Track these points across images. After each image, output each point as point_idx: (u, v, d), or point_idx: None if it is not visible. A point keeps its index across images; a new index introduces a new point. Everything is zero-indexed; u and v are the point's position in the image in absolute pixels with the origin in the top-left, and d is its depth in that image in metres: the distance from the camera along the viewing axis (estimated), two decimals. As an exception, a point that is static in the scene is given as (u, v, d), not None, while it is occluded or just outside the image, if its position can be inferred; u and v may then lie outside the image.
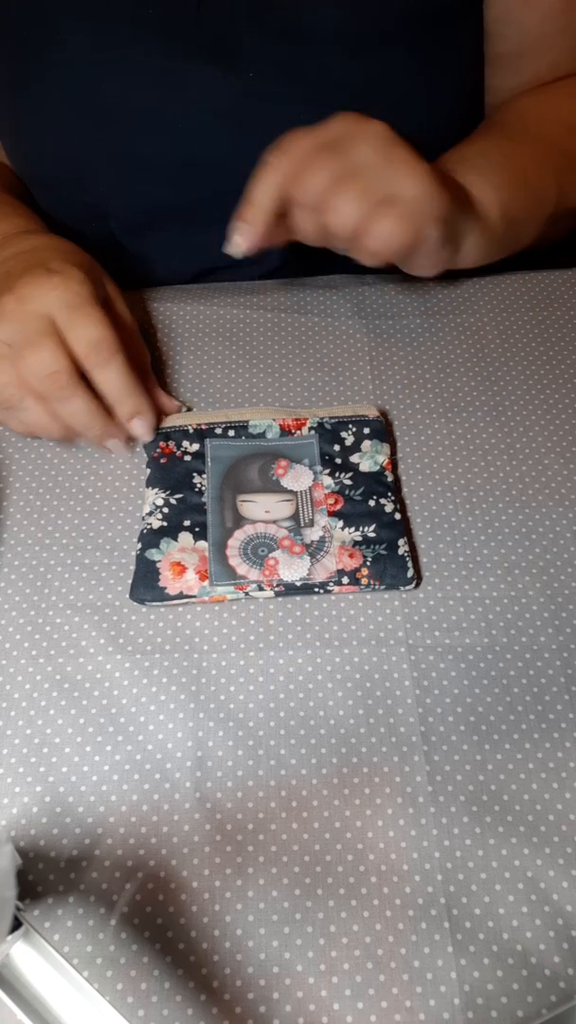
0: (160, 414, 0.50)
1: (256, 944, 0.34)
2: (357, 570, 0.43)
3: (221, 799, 0.38)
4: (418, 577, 0.44)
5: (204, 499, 0.46)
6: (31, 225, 0.54)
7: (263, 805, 0.37)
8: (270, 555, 0.44)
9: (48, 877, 0.35)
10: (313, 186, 0.44)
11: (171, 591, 0.43)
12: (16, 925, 0.28)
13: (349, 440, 0.49)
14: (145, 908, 0.35)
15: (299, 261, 0.62)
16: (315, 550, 0.44)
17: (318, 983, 0.33)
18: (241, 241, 0.46)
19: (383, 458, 0.48)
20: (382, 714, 0.40)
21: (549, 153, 0.54)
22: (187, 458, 0.48)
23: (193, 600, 0.43)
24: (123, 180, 0.56)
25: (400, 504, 0.47)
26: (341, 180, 0.43)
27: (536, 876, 0.36)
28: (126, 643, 0.42)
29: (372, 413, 0.50)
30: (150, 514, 0.46)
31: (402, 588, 0.43)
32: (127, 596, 0.44)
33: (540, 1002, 0.33)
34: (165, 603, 0.43)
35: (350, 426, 0.49)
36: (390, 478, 0.47)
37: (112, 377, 0.45)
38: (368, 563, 0.43)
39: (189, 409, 0.51)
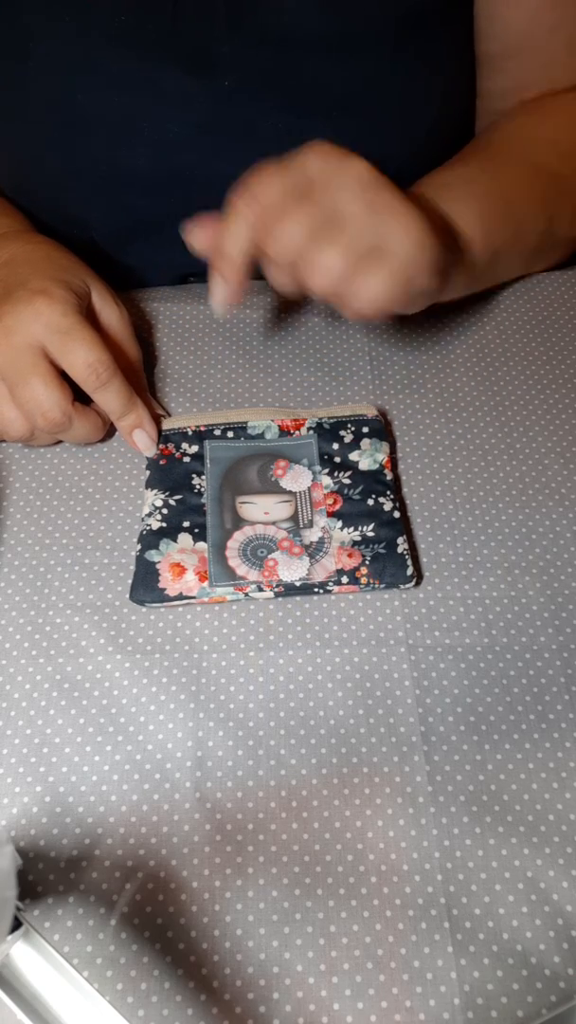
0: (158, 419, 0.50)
1: (256, 944, 0.34)
2: (356, 569, 0.43)
3: (221, 799, 0.38)
4: (418, 575, 0.44)
5: (203, 500, 0.46)
6: (14, 224, 0.53)
7: (263, 805, 0.37)
8: (269, 556, 0.44)
9: (48, 877, 0.35)
10: (288, 240, 0.40)
11: (171, 592, 0.43)
12: (16, 925, 0.28)
13: (348, 438, 0.49)
14: (145, 908, 0.35)
15: None
16: (314, 551, 0.44)
17: (318, 983, 0.33)
18: (220, 298, 0.43)
19: (382, 456, 0.48)
20: (382, 714, 0.40)
21: (538, 178, 0.52)
22: (186, 459, 0.48)
23: (193, 601, 0.43)
24: (103, 191, 0.55)
25: (400, 503, 0.47)
26: (319, 233, 0.39)
27: (536, 876, 0.36)
28: (126, 643, 0.42)
29: (371, 412, 0.50)
30: (149, 515, 0.46)
31: (402, 586, 0.43)
32: (127, 596, 0.44)
33: (540, 1002, 0.33)
34: (165, 604, 0.43)
35: (349, 425, 0.49)
36: (389, 476, 0.47)
37: (111, 396, 0.46)
38: (367, 562, 0.43)
39: (168, 415, 0.51)
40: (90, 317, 0.48)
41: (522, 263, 0.56)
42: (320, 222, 0.39)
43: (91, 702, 0.40)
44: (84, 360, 0.44)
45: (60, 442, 0.50)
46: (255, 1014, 0.33)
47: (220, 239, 0.42)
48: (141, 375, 0.52)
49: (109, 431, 0.50)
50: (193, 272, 0.62)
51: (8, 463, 0.50)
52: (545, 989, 0.33)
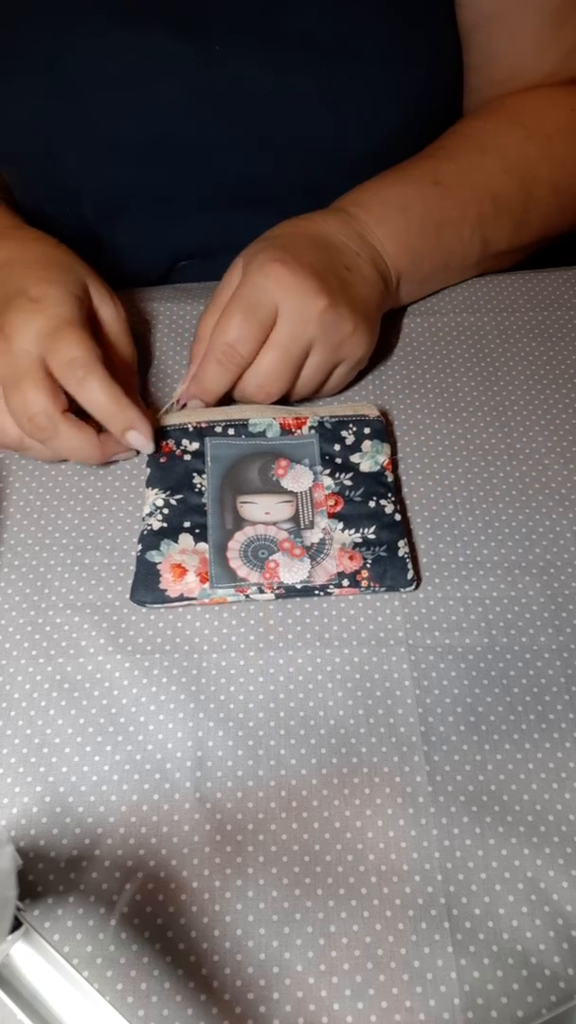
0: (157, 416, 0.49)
1: (256, 944, 0.34)
2: (357, 572, 0.43)
3: (221, 799, 0.38)
4: (418, 579, 0.44)
5: (204, 500, 0.46)
6: (4, 220, 0.52)
7: (263, 805, 0.37)
8: (270, 557, 0.44)
9: (48, 877, 0.35)
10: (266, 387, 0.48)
11: (171, 594, 0.43)
12: (16, 925, 0.28)
13: (350, 439, 0.48)
14: (145, 908, 0.35)
15: None
16: (315, 552, 0.44)
17: (318, 983, 0.33)
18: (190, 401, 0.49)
19: (383, 458, 0.48)
20: (382, 714, 0.40)
21: (477, 203, 0.54)
22: (187, 457, 0.48)
23: (194, 602, 0.43)
24: (92, 157, 0.55)
25: (400, 505, 0.47)
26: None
27: (536, 876, 0.36)
28: (126, 643, 0.42)
29: (372, 413, 0.50)
30: (150, 515, 0.45)
31: (402, 590, 0.43)
32: (127, 596, 0.44)
33: (540, 1002, 0.33)
34: (166, 605, 0.43)
35: (350, 425, 0.49)
36: (390, 478, 0.47)
37: (93, 396, 0.43)
38: (368, 565, 0.43)
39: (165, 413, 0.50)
40: (88, 316, 0.48)
41: (455, 279, 0.58)
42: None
43: (91, 702, 0.40)
44: (63, 357, 0.43)
45: (64, 461, 0.49)
46: (255, 1014, 0.33)
47: (203, 379, 0.47)
48: (133, 376, 0.51)
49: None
50: (184, 254, 0.62)
51: (8, 463, 0.50)
52: (545, 989, 0.33)
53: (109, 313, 0.50)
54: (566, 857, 0.36)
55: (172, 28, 0.50)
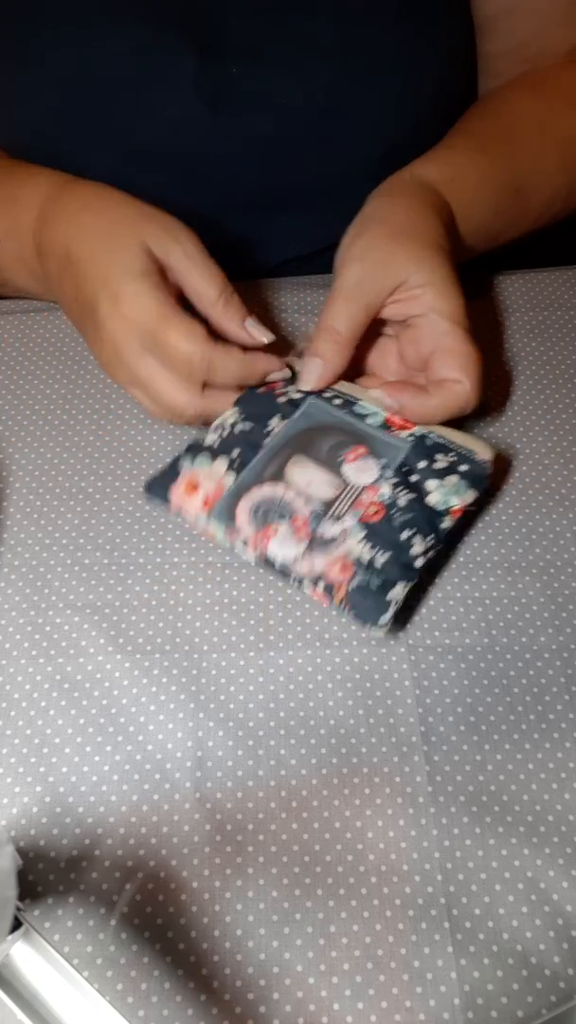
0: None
1: (256, 944, 0.34)
2: (336, 585, 0.40)
3: (221, 799, 0.38)
4: (390, 627, 0.41)
5: (265, 442, 0.45)
6: (41, 189, 0.51)
7: (263, 805, 0.37)
8: (274, 523, 0.42)
9: (48, 877, 0.35)
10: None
11: (173, 504, 0.43)
12: (16, 925, 0.28)
13: (440, 464, 0.44)
14: (145, 908, 0.35)
15: (296, 262, 0.62)
16: (317, 544, 0.41)
17: (318, 983, 0.33)
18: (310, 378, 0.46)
19: (457, 502, 0.43)
20: (382, 714, 0.40)
21: (538, 209, 0.55)
22: (281, 399, 0.46)
23: (186, 524, 0.44)
24: (112, 169, 0.55)
25: (435, 554, 0.43)
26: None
27: (536, 876, 0.36)
28: (126, 643, 0.42)
29: (483, 455, 0.45)
30: (214, 429, 0.45)
31: (368, 626, 0.40)
32: (127, 596, 0.44)
33: (540, 1002, 0.33)
34: (164, 507, 0.44)
35: (451, 453, 0.45)
36: (446, 524, 0.42)
37: (227, 373, 0.44)
38: (352, 586, 0.40)
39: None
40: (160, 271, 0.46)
41: (524, 232, 0.58)
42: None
43: (91, 702, 0.40)
44: (176, 357, 0.43)
45: (58, 442, 0.50)
46: (255, 1014, 0.33)
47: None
48: (220, 303, 0.47)
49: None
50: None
51: (8, 463, 0.50)
52: (545, 989, 0.33)
53: (174, 254, 0.46)
54: (566, 857, 0.36)
55: (190, 36, 0.50)
